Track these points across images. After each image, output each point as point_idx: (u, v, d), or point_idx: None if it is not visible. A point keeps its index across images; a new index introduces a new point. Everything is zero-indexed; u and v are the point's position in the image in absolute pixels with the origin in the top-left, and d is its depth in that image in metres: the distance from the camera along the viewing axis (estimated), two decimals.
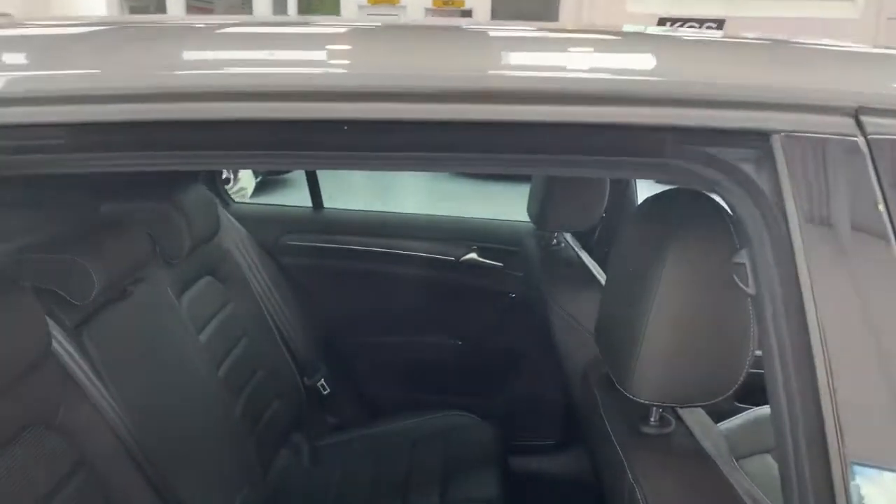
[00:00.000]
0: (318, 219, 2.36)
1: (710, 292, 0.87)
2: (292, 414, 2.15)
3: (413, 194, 8.46)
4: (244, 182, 6.00)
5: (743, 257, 0.74)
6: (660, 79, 0.72)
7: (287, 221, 2.37)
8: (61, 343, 1.26)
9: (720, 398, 0.91)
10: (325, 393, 2.24)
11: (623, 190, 2.04)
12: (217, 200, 2.32)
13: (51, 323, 1.27)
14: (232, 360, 1.92)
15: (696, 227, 0.87)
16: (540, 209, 1.78)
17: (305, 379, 2.22)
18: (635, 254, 0.97)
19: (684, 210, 0.91)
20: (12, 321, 1.10)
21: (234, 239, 2.14)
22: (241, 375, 1.95)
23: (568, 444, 2.27)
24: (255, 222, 2.29)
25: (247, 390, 1.96)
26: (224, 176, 5.84)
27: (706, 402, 0.92)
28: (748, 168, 0.69)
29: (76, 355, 1.27)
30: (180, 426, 1.52)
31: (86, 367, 1.28)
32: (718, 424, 1.26)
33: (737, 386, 0.91)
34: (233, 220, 2.20)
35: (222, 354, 1.89)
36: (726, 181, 0.71)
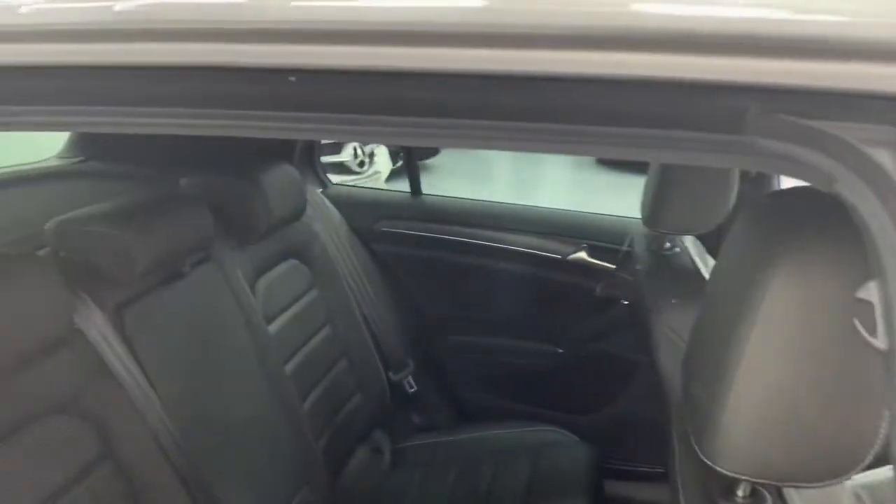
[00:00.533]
0: (416, 205, 2.20)
1: (829, 333, 0.62)
2: (374, 410, 2.02)
3: (546, 184, 8.20)
4: (380, 165, 6.00)
5: (870, 293, 0.49)
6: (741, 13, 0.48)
7: (383, 207, 2.23)
8: (97, 324, 1.18)
9: (838, 480, 0.66)
10: (412, 391, 2.10)
11: (759, 184, 1.72)
12: (312, 180, 2.24)
13: (88, 301, 1.19)
14: (311, 348, 1.82)
15: (814, 241, 0.62)
16: (651, 205, 1.52)
17: (391, 374, 2.08)
18: (732, 274, 0.73)
19: (801, 217, 0.65)
20: (28, 296, 1.01)
21: (326, 222, 2.04)
22: (319, 364, 1.85)
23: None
24: (350, 206, 2.18)
25: (325, 381, 1.85)
26: (359, 159, 5.92)
27: (818, 484, 0.67)
28: (882, 156, 0.44)
29: (112, 338, 1.19)
30: (225, 420, 1.41)
31: (122, 352, 1.19)
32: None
33: (863, 465, 0.65)
34: (327, 202, 2.10)
35: (300, 341, 1.78)
36: (846, 174, 0.46)
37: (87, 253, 1.26)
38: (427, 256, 2.17)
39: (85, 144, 2.09)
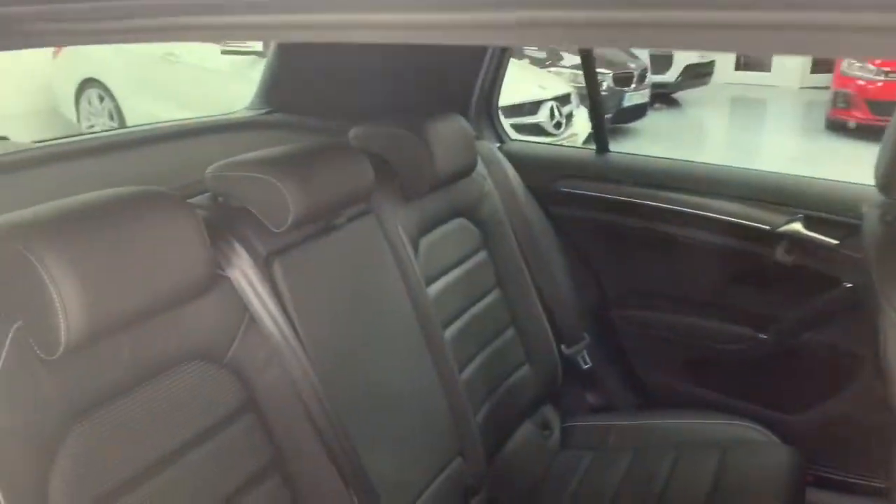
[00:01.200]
0: (602, 164, 1.99)
1: None
2: (543, 384, 1.88)
3: (766, 152, 7.44)
4: (577, 127, 5.75)
5: None
6: None
7: (564, 164, 2.04)
8: (245, 272, 1.13)
9: None
10: (585, 367, 1.92)
11: None
12: (488, 133, 2.10)
13: (239, 248, 1.15)
14: (475, 314, 1.71)
15: None
16: (889, 168, 1.21)
17: (564, 347, 1.92)
18: None
19: None
20: (178, 238, 0.98)
21: (500, 179, 1.90)
22: (484, 331, 1.73)
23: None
24: (527, 163, 2.02)
25: (489, 350, 1.73)
26: (555, 120, 5.71)
27: None
28: None
29: (261, 288, 1.13)
30: (375, 383, 1.34)
31: (269, 303, 1.14)
32: None
33: None
34: (503, 159, 1.95)
35: (463, 305, 1.68)
36: None
37: (243, 198, 1.22)
38: (611, 221, 1.96)
39: (272, 97, 2.12)
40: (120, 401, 0.95)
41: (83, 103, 6.21)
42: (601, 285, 2.02)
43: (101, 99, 6.09)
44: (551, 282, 1.90)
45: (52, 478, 0.85)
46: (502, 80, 2.07)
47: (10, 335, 0.84)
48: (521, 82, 5.31)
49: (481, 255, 1.79)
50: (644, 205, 1.91)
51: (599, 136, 1.98)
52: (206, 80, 5.23)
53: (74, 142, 1.59)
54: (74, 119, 6.29)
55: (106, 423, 0.92)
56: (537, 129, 5.29)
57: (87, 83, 6.12)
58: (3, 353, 0.83)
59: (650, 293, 1.99)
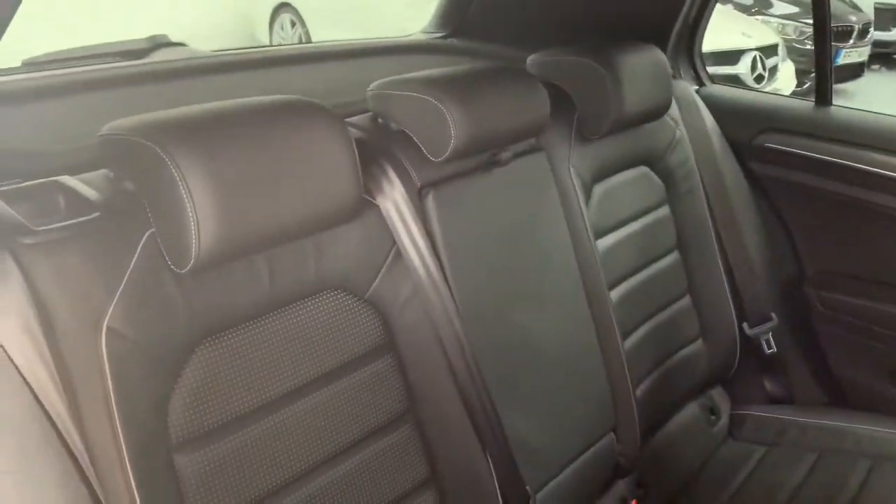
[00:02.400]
0: (821, 119, 1.68)
1: None
2: (717, 364, 1.66)
3: None
4: (781, 82, 5.18)
5: None
6: None
7: (772, 116, 1.75)
8: (395, 201, 1.02)
9: None
10: (768, 352, 1.67)
11: None
12: (686, 73, 1.85)
13: (392, 175, 1.04)
14: (648, 276, 1.52)
15: None
16: None
17: (746, 326, 1.68)
18: None
19: None
20: (328, 158, 0.88)
21: (695, 127, 1.66)
22: (655, 297, 1.54)
23: None
24: (728, 110, 1.75)
25: (659, 318, 1.54)
26: (757, 72, 5.16)
27: None
28: None
29: (410, 219, 1.02)
30: (527, 340, 1.20)
31: (417, 237, 1.03)
32: None
33: None
34: (700, 103, 1.71)
35: (635, 265, 1.49)
36: None
37: (402, 121, 1.11)
38: (823, 188, 1.66)
39: (449, 21, 1.98)
40: (252, 325, 0.88)
41: (276, 28, 6.43)
42: (799, 260, 1.74)
43: (293, 24, 6.26)
44: (741, 249, 1.66)
45: (174, 396, 0.80)
46: (710, 13, 1.80)
47: (142, 242, 0.78)
48: (722, 27, 4.83)
49: (662, 211, 1.58)
50: (869, 172, 1.60)
51: (823, 86, 1.67)
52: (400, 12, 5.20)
53: (246, 53, 1.54)
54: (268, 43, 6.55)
55: (236, 346, 0.86)
56: (735, 81, 4.81)
57: (282, 8, 6.31)
58: (134, 260, 0.77)
59: (858, 276, 1.69)
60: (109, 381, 0.73)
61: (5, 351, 0.69)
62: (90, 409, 0.72)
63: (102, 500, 0.71)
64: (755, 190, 1.73)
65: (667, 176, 1.59)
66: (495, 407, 1.07)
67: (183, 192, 0.74)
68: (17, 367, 0.69)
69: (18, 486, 0.64)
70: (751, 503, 1.42)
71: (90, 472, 0.70)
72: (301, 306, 0.94)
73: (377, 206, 1.01)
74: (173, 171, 0.75)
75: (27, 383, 0.69)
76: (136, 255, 0.78)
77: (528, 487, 1.10)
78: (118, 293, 0.75)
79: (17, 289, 0.70)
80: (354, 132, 1.05)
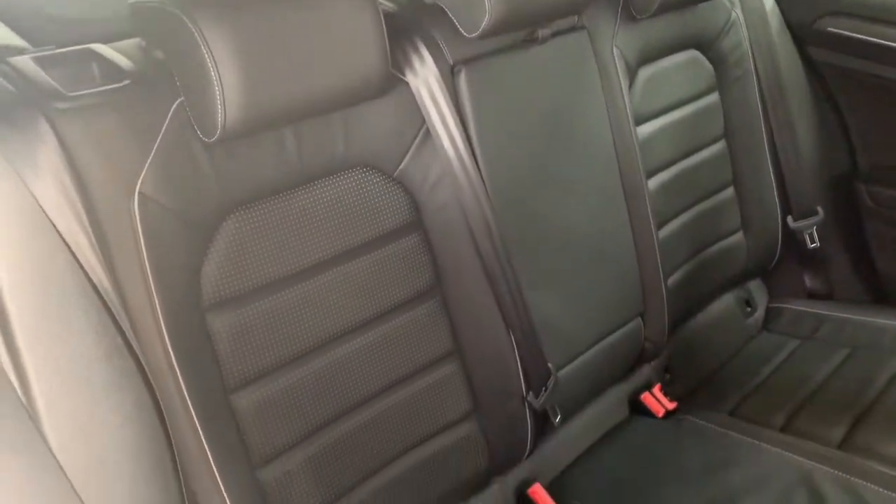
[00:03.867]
0: (890, 2, 1.57)
1: None
2: (757, 256, 1.64)
3: None
4: None
5: None
6: None
7: None
8: (427, 80, 1.01)
9: None
10: (811, 246, 1.64)
11: None
12: None
13: (424, 51, 1.02)
14: (691, 165, 1.49)
15: None
16: None
17: (790, 219, 1.64)
18: None
19: None
20: (356, 32, 0.87)
21: (754, 8, 1.57)
22: (696, 187, 1.52)
23: None
24: None
25: (699, 208, 1.52)
26: None
27: None
28: None
29: (441, 98, 1.01)
30: (557, 223, 1.20)
31: (450, 119, 1.02)
32: None
33: None
34: None
35: (677, 153, 1.46)
36: None
37: None
38: (883, 77, 1.57)
39: None
40: (281, 198, 0.91)
41: None
42: (853, 153, 1.68)
43: None
44: (791, 140, 1.60)
45: (206, 262, 0.84)
46: None
47: (172, 110, 0.80)
48: None
49: (711, 98, 1.53)
50: None
51: None
52: None
53: None
54: None
55: (265, 217, 0.89)
56: None
57: None
58: (164, 129, 0.80)
59: None
60: (143, 245, 0.77)
61: (44, 212, 0.73)
62: (125, 270, 0.77)
63: (138, 353, 0.76)
64: (811, 78, 1.65)
65: (718, 61, 1.52)
66: (521, 287, 1.08)
67: (208, 60, 0.75)
68: (55, 227, 0.73)
69: (59, 334, 0.69)
70: (776, 393, 1.44)
71: (126, 326, 0.75)
72: (330, 182, 0.96)
73: (407, 84, 1.00)
74: (198, 39, 0.75)
75: (66, 243, 0.73)
76: (165, 124, 0.80)
77: (550, 365, 1.14)
78: (149, 160, 0.78)
79: (53, 152, 0.73)
80: (385, 4, 1.03)
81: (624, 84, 1.30)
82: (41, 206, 0.72)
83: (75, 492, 0.51)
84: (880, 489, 1.08)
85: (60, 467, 0.51)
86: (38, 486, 0.50)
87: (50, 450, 0.53)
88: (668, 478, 1.19)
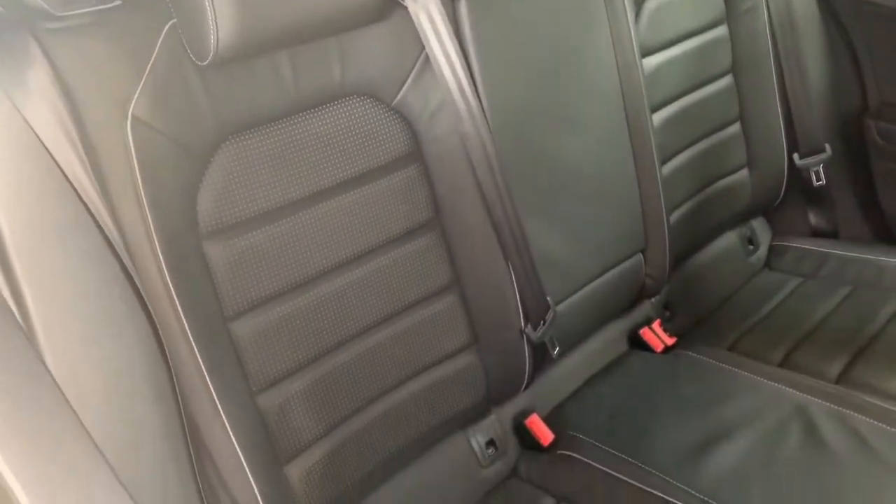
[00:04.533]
0: None
1: None
2: (761, 194, 1.63)
3: None
4: None
5: None
6: None
7: None
8: (427, 6, 0.98)
9: None
10: (817, 184, 1.62)
11: None
12: None
13: None
14: (696, 100, 1.47)
15: None
16: None
17: (797, 156, 1.62)
18: None
19: None
20: None
21: None
22: (702, 122, 1.50)
23: None
24: None
25: (704, 144, 1.51)
26: None
27: None
28: None
29: (441, 26, 0.98)
30: (554, 155, 1.18)
31: (450, 47, 0.99)
32: None
33: None
34: None
35: (682, 87, 1.44)
36: None
37: None
38: None
39: None
40: (277, 126, 0.89)
41: None
42: (864, 89, 1.64)
43: None
44: (801, 75, 1.56)
45: (201, 188, 0.83)
46: None
47: (164, 32, 0.79)
48: None
49: (719, 31, 1.49)
50: None
51: None
52: None
53: None
54: None
55: (261, 145, 0.88)
56: None
57: None
58: (156, 51, 0.78)
59: None
60: (137, 170, 0.76)
61: (37, 136, 0.72)
62: (120, 196, 0.76)
63: (136, 279, 0.76)
64: (823, 10, 1.60)
65: None
66: (520, 220, 1.08)
67: None
68: (49, 152, 0.72)
69: (55, 258, 0.69)
70: (776, 329, 1.44)
71: (122, 252, 0.75)
72: (327, 110, 0.94)
73: (405, 9, 0.98)
74: None
75: (60, 167, 0.72)
76: (158, 45, 0.78)
77: (549, 298, 1.14)
78: (142, 82, 0.77)
79: (44, 74, 0.72)
80: None
81: (630, 15, 1.27)
82: (34, 130, 0.72)
83: (73, 410, 0.51)
84: (875, 422, 1.10)
85: (59, 387, 0.52)
86: (36, 404, 0.50)
87: (48, 371, 0.53)
88: (665, 410, 1.20)
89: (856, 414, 1.11)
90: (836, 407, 1.13)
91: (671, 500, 1.02)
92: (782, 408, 1.15)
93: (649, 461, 1.09)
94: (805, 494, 1.00)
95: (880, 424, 1.09)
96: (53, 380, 0.52)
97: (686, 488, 1.03)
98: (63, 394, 0.51)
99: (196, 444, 0.83)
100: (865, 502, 0.98)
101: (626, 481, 1.07)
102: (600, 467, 1.10)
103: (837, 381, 1.26)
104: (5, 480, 0.45)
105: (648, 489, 1.04)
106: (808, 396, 1.17)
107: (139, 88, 0.76)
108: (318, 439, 0.95)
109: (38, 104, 0.71)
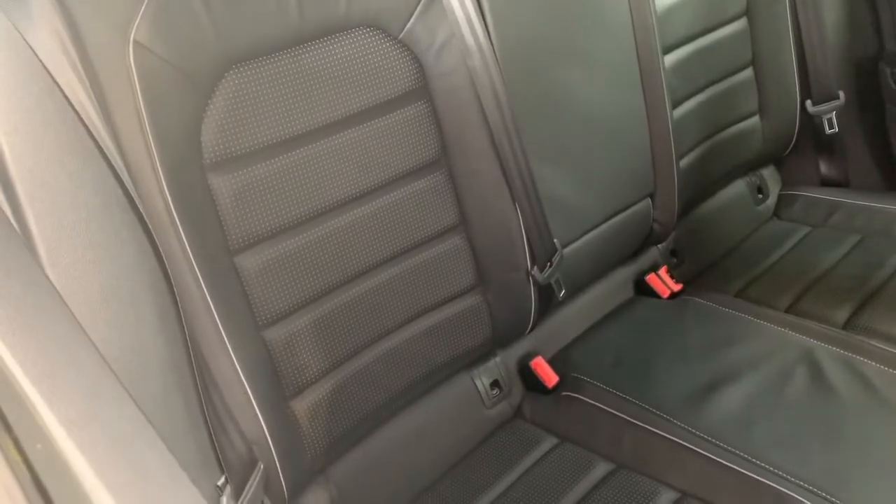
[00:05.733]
0: None
1: None
2: (772, 142, 1.62)
3: None
4: None
5: None
6: None
7: None
8: None
9: None
10: (829, 132, 1.59)
11: None
12: None
13: None
14: (710, 42, 1.46)
15: None
16: None
17: (809, 103, 1.59)
18: None
19: None
20: None
21: None
22: (714, 66, 1.48)
23: None
24: None
25: (715, 89, 1.49)
26: None
27: None
28: None
29: None
30: (565, 96, 1.16)
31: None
32: None
33: None
34: None
35: (696, 29, 1.42)
36: None
37: None
38: None
39: None
40: (282, 56, 0.87)
41: None
42: (880, 35, 1.61)
43: None
44: (816, 20, 1.53)
45: (205, 118, 0.82)
46: None
47: None
48: None
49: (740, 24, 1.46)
50: None
51: None
52: None
53: None
54: None
55: (266, 75, 0.86)
56: None
57: None
58: None
59: None
60: (140, 97, 0.75)
61: (39, 59, 0.71)
62: (123, 122, 0.75)
63: (140, 207, 0.75)
64: None
65: None
66: (528, 160, 1.06)
67: None
68: (50, 74, 0.70)
69: (57, 181, 0.68)
70: (783, 277, 1.43)
71: (126, 179, 0.74)
72: (333, 41, 0.92)
73: None
74: None
75: (60, 89, 0.71)
76: None
77: (556, 240, 1.13)
78: (143, 6, 0.75)
79: None
80: None
81: None
82: (35, 54, 0.70)
83: (82, 328, 0.51)
84: (881, 366, 1.09)
85: (65, 303, 0.51)
86: (42, 312, 0.50)
87: (53, 286, 0.53)
88: (670, 354, 1.20)
89: (862, 358, 1.11)
90: (842, 351, 1.13)
91: (675, 440, 1.02)
92: (788, 352, 1.15)
93: (654, 403, 1.09)
94: (809, 434, 1.00)
95: (886, 368, 1.09)
96: (59, 294, 0.51)
97: (690, 429, 1.03)
98: (69, 307, 0.51)
99: (202, 375, 0.83)
100: (869, 442, 0.98)
101: (629, 421, 1.07)
102: (604, 408, 1.11)
103: (844, 327, 1.26)
104: (15, 378, 0.45)
105: (652, 429, 1.05)
106: (815, 341, 1.16)
107: (140, 12, 0.75)
108: (324, 375, 0.96)
109: (40, 27, 0.70)
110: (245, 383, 0.84)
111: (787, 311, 1.33)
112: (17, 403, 0.46)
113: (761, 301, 1.36)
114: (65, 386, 0.48)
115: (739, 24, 1.50)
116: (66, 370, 0.49)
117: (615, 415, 1.09)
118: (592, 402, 1.12)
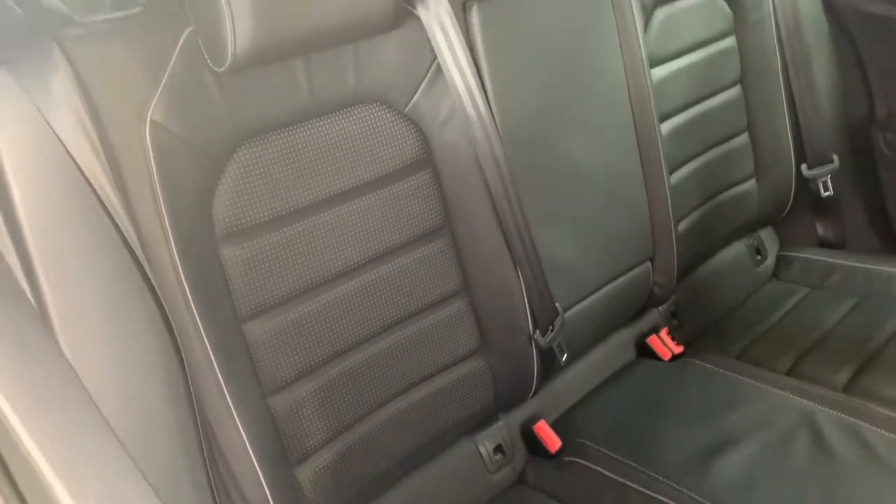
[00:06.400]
0: None
1: None
2: (769, 205, 1.64)
3: None
4: None
5: None
6: None
7: None
8: (439, 14, 0.99)
9: None
10: (825, 195, 1.62)
11: None
12: None
13: None
14: (704, 110, 1.48)
15: None
16: None
17: (804, 167, 1.62)
18: None
19: None
20: None
21: None
22: (710, 132, 1.51)
23: None
24: None
25: (712, 154, 1.52)
26: None
27: None
28: None
29: (453, 34, 0.99)
30: (564, 163, 1.19)
31: (461, 55, 1.00)
32: None
33: None
34: None
35: (691, 97, 1.45)
36: None
37: None
38: None
39: None
40: (292, 131, 0.91)
41: None
42: (871, 101, 1.65)
43: None
44: (809, 86, 1.57)
45: (217, 192, 0.85)
46: None
47: (182, 39, 0.80)
48: None
49: (727, 42, 1.51)
50: None
51: None
52: None
53: None
54: None
55: (276, 149, 0.89)
56: None
57: None
58: (174, 57, 0.80)
59: None
60: (155, 173, 0.78)
61: (59, 138, 0.74)
62: (138, 199, 0.78)
63: (152, 280, 0.78)
64: (831, 22, 1.62)
65: (736, 3, 1.50)
66: (529, 225, 1.09)
67: None
68: (68, 152, 0.74)
69: (74, 254, 0.71)
70: (783, 339, 1.45)
71: (139, 254, 0.76)
72: (341, 116, 0.96)
73: (418, 18, 0.99)
74: None
75: (78, 167, 0.74)
76: (176, 52, 0.80)
77: (557, 304, 1.15)
78: (160, 87, 0.78)
79: (65, 78, 0.74)
80: None
81: (639, 24, 1.28)
82: (55, 132, 0.73)
83: (92, 400, 0.53)
84: (881, 430, 1.10)
85: (75, 374, 0.53)
86: (57, 392, 0.52)
87: (66, 358, 0.55)
88: (672, 417, 1.21)
89: (862, 422, 1.12)
90: (842, 415, 1.14)
91: None
92: (789, 416, 1.16)
93: (656, 468, 1.09)
94: (810, 499, 1.00)
95: (886, 433, 1.09)
96: (71, 366, 0.53)
97: (693, 495, 1.03)
98: (80, 379, 0.53)
99: (209, 443, 0.84)
100: None
101: (633, 488, 1.07)
102: (607, 474, 1.11)
103: (844, 390, 1.26)
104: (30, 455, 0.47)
105: (655, 495, 1.05)
106: (815, 405, 1.17)
107: (158, 93, 0.78)
108: (328, 442, 0.96)
109: (60, 107, 0.73)
110: (250, 451, 0.85)
111: (788, 373, 1.34)
112: (30, 474, 0.48)
113: (762, 363, 1.37)
114: (75, 461, 0.50)
115: (734, 92, 1.54)
116: (77, 446, 0.51)
117: (618, 481, 1.09)
118: (596, 467, 1.12)
